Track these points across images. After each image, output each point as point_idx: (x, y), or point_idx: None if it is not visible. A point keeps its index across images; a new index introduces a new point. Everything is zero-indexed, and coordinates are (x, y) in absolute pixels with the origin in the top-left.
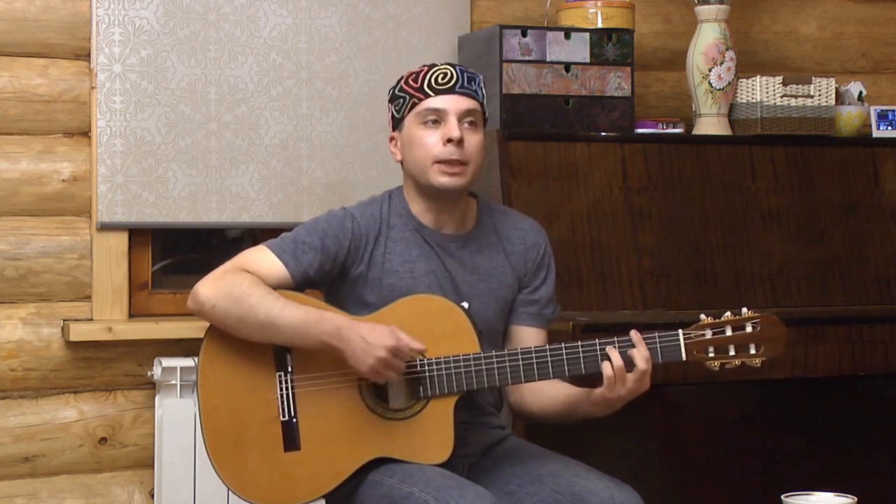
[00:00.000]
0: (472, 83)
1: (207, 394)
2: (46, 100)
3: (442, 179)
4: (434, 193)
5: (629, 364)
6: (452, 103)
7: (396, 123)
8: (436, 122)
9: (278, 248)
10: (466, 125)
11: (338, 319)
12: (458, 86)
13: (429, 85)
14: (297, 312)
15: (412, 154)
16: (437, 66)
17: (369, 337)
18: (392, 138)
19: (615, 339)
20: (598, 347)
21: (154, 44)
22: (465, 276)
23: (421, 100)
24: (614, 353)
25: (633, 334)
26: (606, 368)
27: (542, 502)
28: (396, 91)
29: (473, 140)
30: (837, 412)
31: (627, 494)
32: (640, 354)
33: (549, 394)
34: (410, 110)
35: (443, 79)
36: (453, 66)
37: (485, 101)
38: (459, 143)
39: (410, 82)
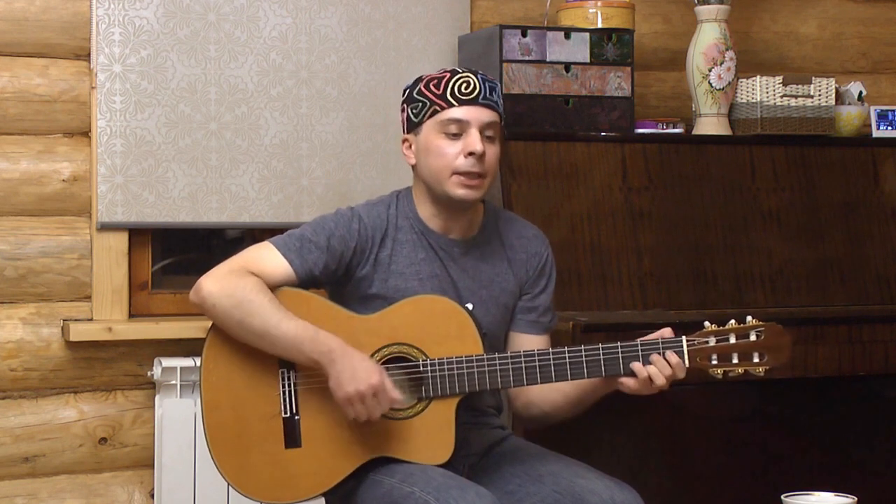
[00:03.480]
0: (493, 93)
1: (210, 389)
2: (46, 100)
3: (459, 192)
4: (447, 201)
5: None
6: (475, 115)
7: (412, 126)
8: (457, 133)
9: (284, 246)
10: (486, 137)
11: (332, 342)
12: (481, 97)
13: (451, 94)
14: (293, 326)
15: (429, 162)
16: (459, 72)
17: (357, 368)
18: (406, 140)
19: (639, 342)
20: (600, 352)
21: (154, 44)
22: (467, 281)
23: (443, 108)
24: (661, 361)
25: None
26: (641, 371)
27: (543, 502)
28: (414, 94)
29: (492, 152)
30: (837, 412)
31: (627, 494)
32: (675, 363)
33: (559, 388)
34: (430, 117)
35: (466, 88)
36: (475, 73)
37: (503, 112)
38: (480, 156)
39: (432, 88)
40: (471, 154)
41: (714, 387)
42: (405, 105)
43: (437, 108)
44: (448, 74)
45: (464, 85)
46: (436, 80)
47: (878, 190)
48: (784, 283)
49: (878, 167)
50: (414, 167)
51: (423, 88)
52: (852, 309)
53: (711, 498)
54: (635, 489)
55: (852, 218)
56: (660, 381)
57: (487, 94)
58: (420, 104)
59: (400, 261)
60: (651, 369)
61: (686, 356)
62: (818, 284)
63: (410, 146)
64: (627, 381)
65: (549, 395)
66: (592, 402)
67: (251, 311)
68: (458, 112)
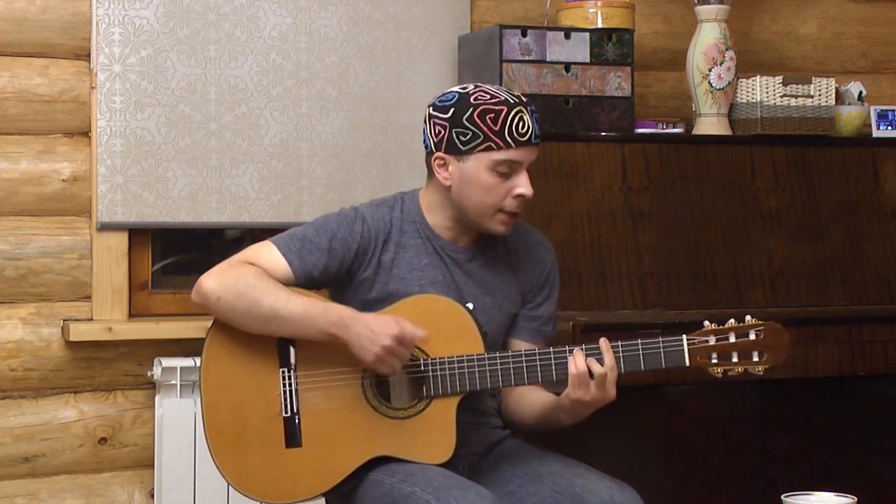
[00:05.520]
0: (539, 128)
1: (210, 389)
2: (46, 100)
3: (500, 228)
4: (476, 227)
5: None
6: (527, 156)
7: (454, 150)
8: (506, 172)
9: (284, 246)
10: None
11: (342, 310)
12: (534, 137)
13: (510, 133)
14: (301, 303)
15: (474, 195)
16: (513, 104)
17: (374, 326)
18: (441, 159)
19: (583, 345)
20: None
21: (154, 44)
22: (471, 288)
23: (500, 148)
24: (579, 355)
25: (602, 342)
26: (571, 367)
27: (542, 502)
28: (464, 119)
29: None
30: (837, 412)
31: (627, 494)
32: (605, 361)
33: (528, 403)
34: (483, 151)
35: (522, 128)
36: (525, 105)
37: None
38: None
39: (488, 121)
40: (520, 195)
41: (714, 387)
42: (448, 124)
43: (493, 146)
44: (505, 109)
45: (520, 124)
46: (493, 114)
47: (878, 190)
48: (784, 283)
49: (878, 167)
50: (446, 187)
51: (476, 118)
52: (852, 309)
53: (711, 498)
54: (635, 489)
55: (852, 218)
56: (595, 367)
57: (538, 133)
58: (472, 133)
59: (402, 265)
60: (576, 355)
61: (686, 355)
62: (818, 284)
63: (447, 166)
64: (570, 369)
65: (521, 405)
66: (551, 421)
67: (257, 297)
68: (514, 154)
